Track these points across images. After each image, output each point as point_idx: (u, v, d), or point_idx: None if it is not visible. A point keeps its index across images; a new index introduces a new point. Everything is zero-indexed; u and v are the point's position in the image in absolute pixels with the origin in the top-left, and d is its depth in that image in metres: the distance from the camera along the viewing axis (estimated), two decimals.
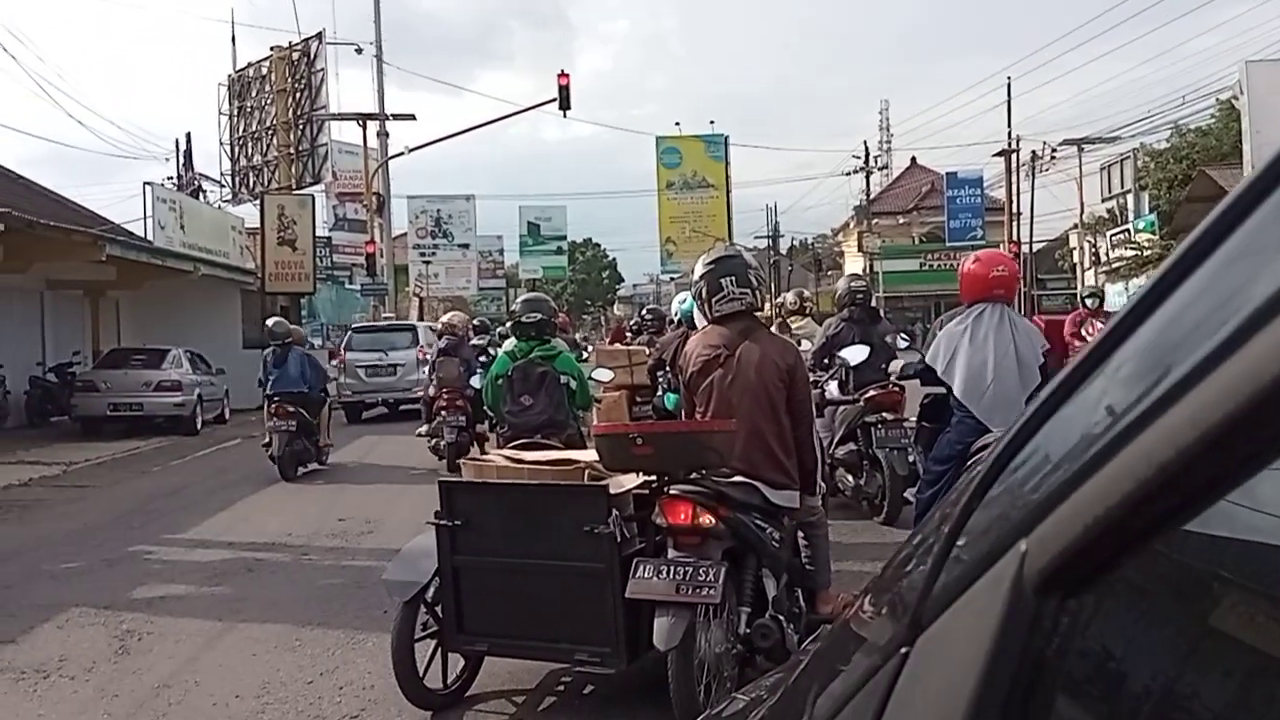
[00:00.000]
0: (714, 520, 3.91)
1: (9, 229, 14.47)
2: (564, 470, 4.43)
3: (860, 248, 45.63)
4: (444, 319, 13.33)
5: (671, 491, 3.95)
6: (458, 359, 11.96)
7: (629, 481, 4.27)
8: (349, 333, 22.81)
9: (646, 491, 4.21)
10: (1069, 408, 0.65)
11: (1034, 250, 38.94)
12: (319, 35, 31.09)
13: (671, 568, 3.79)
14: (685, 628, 3.70)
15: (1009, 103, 37.74)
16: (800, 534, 4.46)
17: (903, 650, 0.75)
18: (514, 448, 5.61)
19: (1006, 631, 0.63)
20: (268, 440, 12.16)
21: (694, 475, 4.01)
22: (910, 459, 7.37)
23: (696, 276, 4.50)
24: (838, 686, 0.86)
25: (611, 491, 4.09)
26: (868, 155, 46.38)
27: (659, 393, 8.70)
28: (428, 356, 14.88)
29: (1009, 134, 37.34)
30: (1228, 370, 0.48)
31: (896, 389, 7.91)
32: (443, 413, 11.56)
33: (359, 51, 31.42)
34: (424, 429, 12.37)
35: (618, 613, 3.95)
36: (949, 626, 0.70)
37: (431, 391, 12.05)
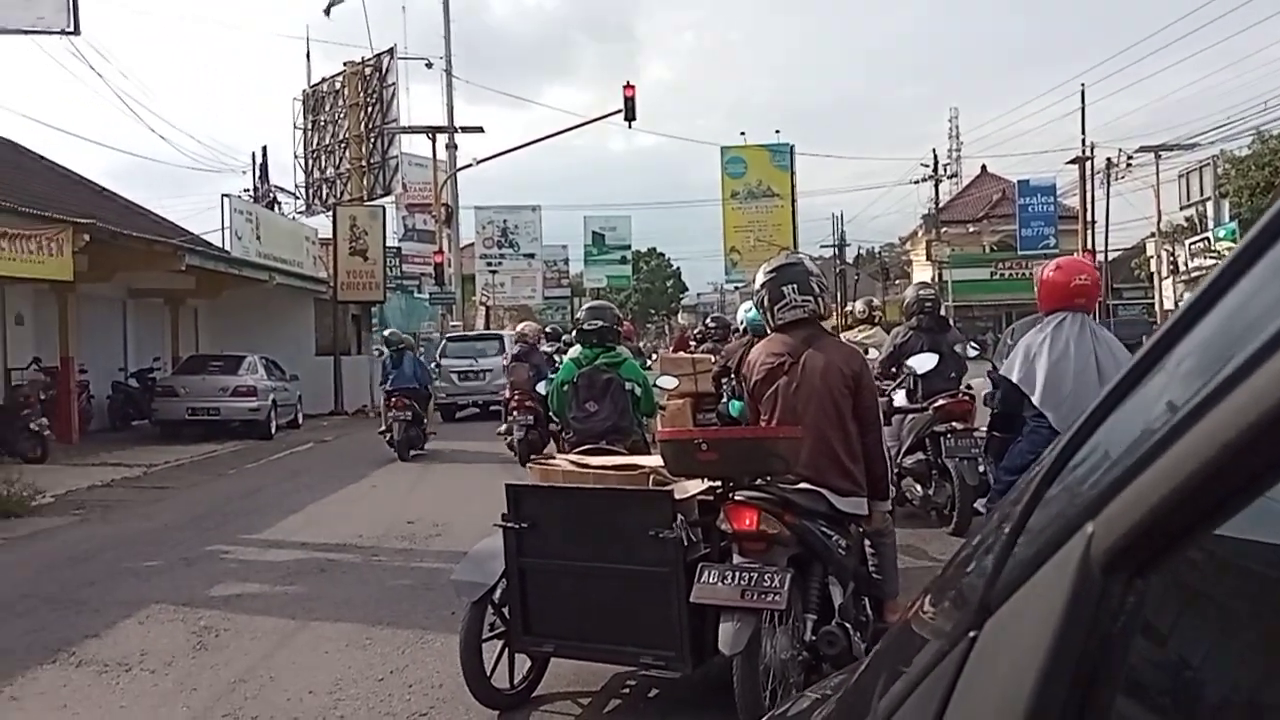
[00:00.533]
0: (779, 527, 3.88)
1: (94, 239, 14.97)
2: (629, 475, 4.48)
3: (929, 256, 45.04)
4: (518, 328, 14.62)
5: (737, 497, 3.93)
6: (528, 364, 12.70)
7: (693, 487, 4.26)
8: (444, 341, 24.59)
9: (711, 497, 4.21)
10: (1131, 401, 0.66)
11: (1109, 259, 38.08)
12: (390, 51, 31.65)
13: (736, 573, 3.75)
14: (750, 633, 3.67)
15: (1083, 109, 37.00)
16: (867, 542, 4.41)
17: (970, 634, 0.76)
18: (580, 453, 5.72)
19: (1074, 610, 0.64)
20: (386, 428, 14.48)
21: (759, 481, 3.99)
22: (980, 469, 7.25)
23: (758, 285, 4.51)
24: (903, 676, 0.87)
25: (676, 497, 4.08)
26: (936, 163, 45.75)
27: (723, 400, 8.71)
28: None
29: (1083, 141, 36.58)
30: None
31: (966, 398, 7.79)
32: (514, 413, 12.34)
33: (429, 66, 32.00)
34: (502, 428, 13.19)
35: (683, 617, 3.93)
36: (1017, 609, 0.71)
37: (506, 394, 12.98)
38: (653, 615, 4.05)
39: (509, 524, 4.28)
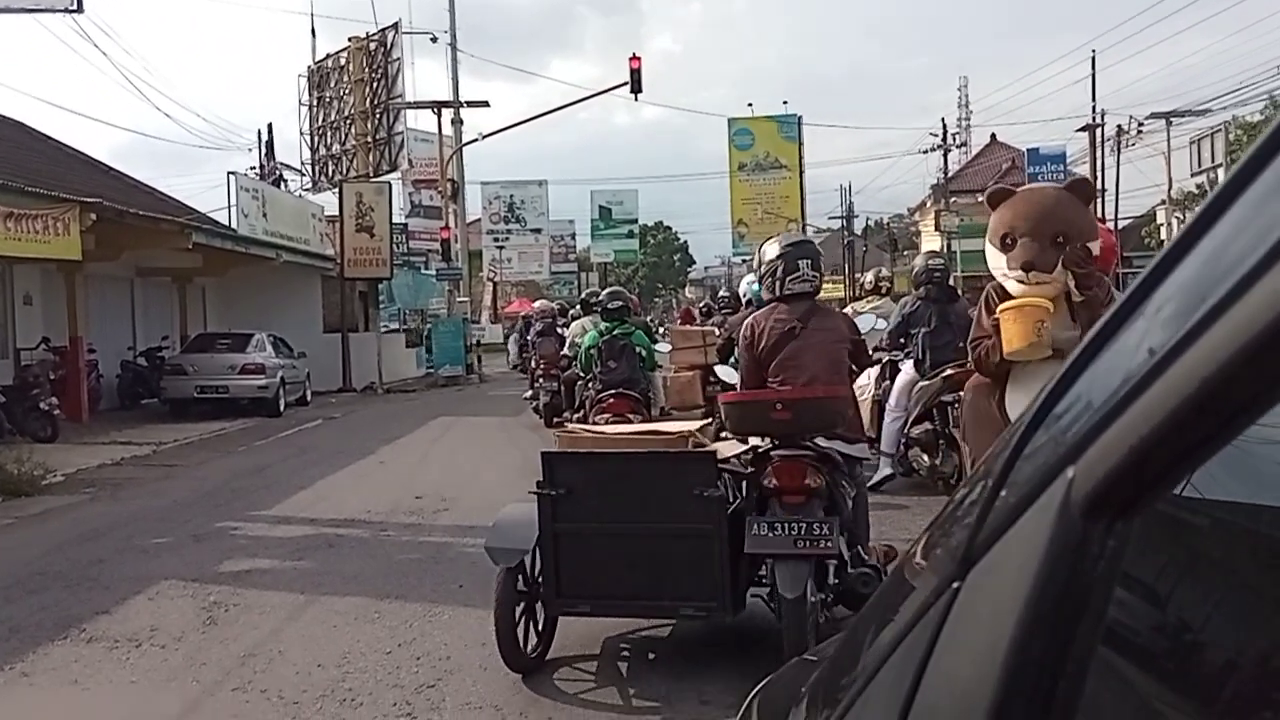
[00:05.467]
0: (820, 481, 4.28)
1: (101, 219, 14.98)
2: (669, 439, 4.73)
3: (937, 227, 44.72)
4: (536, 306, 17.84)
5: (783, 454, 4.28)
6: (552, 337, 14.61)
7: (727, 448, 4.58)
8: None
9: (736, 457, 4.53)
10: (1111, 348, 0.65)
11: (1120, 227, 37.82)
12: (395, 25, 31.52)
13: (786, 524, 4.11)
14: (806, 578, 4.02)
15: (1093, 76, 36.66)
16: None
17: (954, 585, 0.75)
18: (599, 407, 8.61)
19: (1054, 556, 0.63)
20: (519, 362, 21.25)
21: (802, 440, 4.37)
22: None
23: (772, 255, 4.92)
24: (891, 627, 0.87)
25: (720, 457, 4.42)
26: (945, 132, 45.40)
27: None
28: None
29: (1093, 108, 36.24)
30: (1261, 290, 0.49)
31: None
32: (540, 379, 14.17)
33: (434, 40, 31.91)
34: (529, 393, 15.33)
35: (725, 569, 4.21)
36: (998, 558, 0.71)
37: (533, 364, 15.02)
38: (693, 569, 4.30)
39: (546, 491, 4.39)
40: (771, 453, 4.33)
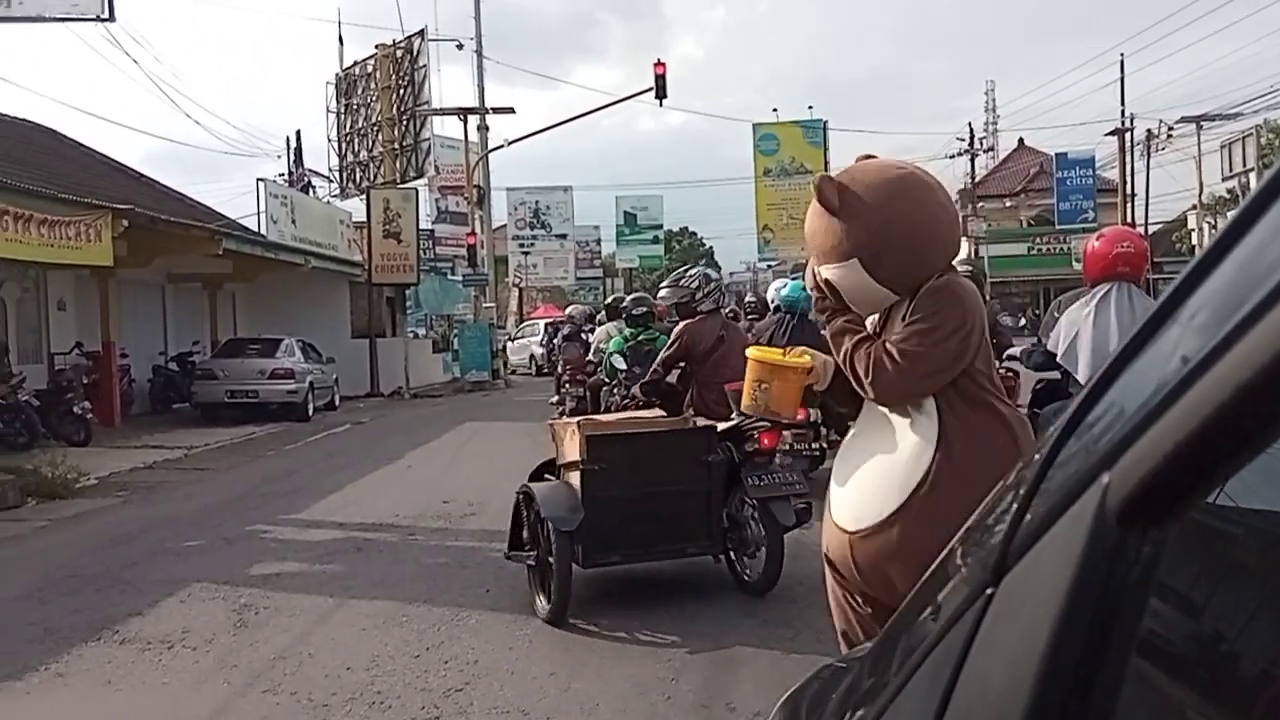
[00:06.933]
0: (783, 444, 5.78)
1: (133, 225, 15.16)
2: (676, 420, 5.98)
3: (965, 232, 44.46)
4: (566, 311, 18.21)
5: (764, 424, 5.28)
6: (578, 343, 14.58)
7: (720, 424, 5.65)
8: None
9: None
10: (1146, 355, 0.65)
11: (1150, 232, 37.41)
12: (421, 32, 31.65)
13: (772, 475, 5.42)
14: (792, 511, 5.33)
15: (1122, 80, 36.30)
16: None
17: (988, 592, 0.75)
18: (630, 402, 8.50)
19: (1089, 563, 0.63)
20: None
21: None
22: None
23: (709, 279, 7.00)
24: (925, 635, 0.87)
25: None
26: (972, 137, 45.09)
27: None
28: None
29: (1122, 112, 35.89)
30: None
31: (1010, 374, 7.69)
32: (566, 385, 14.00)
33: (460, 47, 31.94)
34: (555, 398, 14.95)
35: (720, 518, 5.51)
36: (1033, 565, 0.71)
37: (559, 369, 14.93)
38: (695, 519, 5.49)
39: (589, 466, 5.21)
40: (748, 426, 5.41)
